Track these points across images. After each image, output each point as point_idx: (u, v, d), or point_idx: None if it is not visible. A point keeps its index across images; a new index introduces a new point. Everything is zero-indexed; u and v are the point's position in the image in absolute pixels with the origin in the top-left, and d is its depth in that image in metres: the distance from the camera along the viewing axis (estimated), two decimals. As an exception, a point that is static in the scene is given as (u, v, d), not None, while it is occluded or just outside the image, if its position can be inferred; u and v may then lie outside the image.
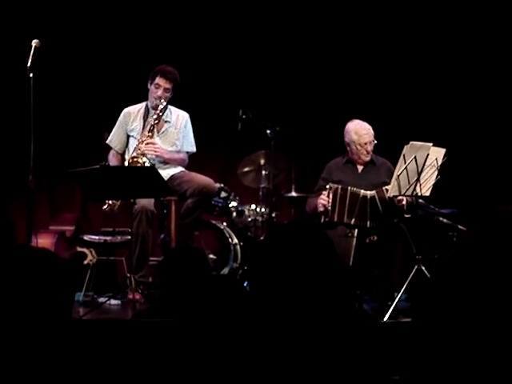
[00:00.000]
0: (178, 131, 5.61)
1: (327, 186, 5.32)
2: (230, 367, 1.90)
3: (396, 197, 5.22)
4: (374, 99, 7.24)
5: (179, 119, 5.64)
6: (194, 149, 5.71)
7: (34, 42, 5.02)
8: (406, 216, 5.29)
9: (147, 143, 5.41)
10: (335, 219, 5.23)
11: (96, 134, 6.35)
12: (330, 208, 5.23)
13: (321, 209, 5.28)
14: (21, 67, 5.01)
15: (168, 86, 5.46)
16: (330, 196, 5.25)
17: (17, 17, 6.86)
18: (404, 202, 5.25)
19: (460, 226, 6.03)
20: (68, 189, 7.04)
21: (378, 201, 5.23)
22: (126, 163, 5.45)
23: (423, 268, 5.01)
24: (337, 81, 7.41)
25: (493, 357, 1.54)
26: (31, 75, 4.91)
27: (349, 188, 5.26)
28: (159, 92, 5.45)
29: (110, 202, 5.24)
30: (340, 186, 5.28)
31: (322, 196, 5.29)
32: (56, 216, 6.86)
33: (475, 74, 7.27)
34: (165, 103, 5.47)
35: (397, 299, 4.92)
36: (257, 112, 6.33)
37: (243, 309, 2.00)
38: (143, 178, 4.89)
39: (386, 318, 4.80)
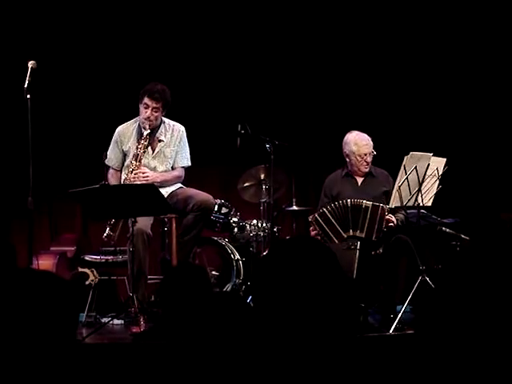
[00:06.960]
0: (171, 149, 5.53)
1: (309, 219, 5.41)
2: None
3: (397, 208, 5.22)
4: (373, 110, 7.25)
5: (174, 135, 5.54)
6: (189, 163, 5.61)
7: (31, 63, 5.02)
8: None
9: (136, 173, 5.33)
10: (336, 242, 5.27)
11: (95, 153, 6.32)
12: (325, 237, 5.27)
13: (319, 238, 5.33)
14: (18, 89, 5.00)
15: (156, 105, 5.33)
16: (317, 228, 5.31)
17: (12, 38, 6.87)
18: (393, 224, 5.25)
19: (463, 236, 6.02)
20: (68, 209, 7.03)
21: (374, 213, 5.22)
22: None
23: (427, 279, 4.99)
24: (335, 92, 7.42)
25: (499, 366, 1.53)
26: (28, 96, 4.90)
27: (324, 209, 5.28)
28: (148, 112, 5.33)
29: (110, 232, 5.13)
30: (317, 213, 5.37)
31: (312, 233, 5.39)
32: (56, 237, 6.84)
33: (475, 84, 7.28)
34: (149, 131, 5.36)
35: (402, 311, 4.90)
36: (255, 127, 6.32)
37: (247, 325, 1.98)
38: (143, 195, 4.85)
39: (391, 331, 4.77)
